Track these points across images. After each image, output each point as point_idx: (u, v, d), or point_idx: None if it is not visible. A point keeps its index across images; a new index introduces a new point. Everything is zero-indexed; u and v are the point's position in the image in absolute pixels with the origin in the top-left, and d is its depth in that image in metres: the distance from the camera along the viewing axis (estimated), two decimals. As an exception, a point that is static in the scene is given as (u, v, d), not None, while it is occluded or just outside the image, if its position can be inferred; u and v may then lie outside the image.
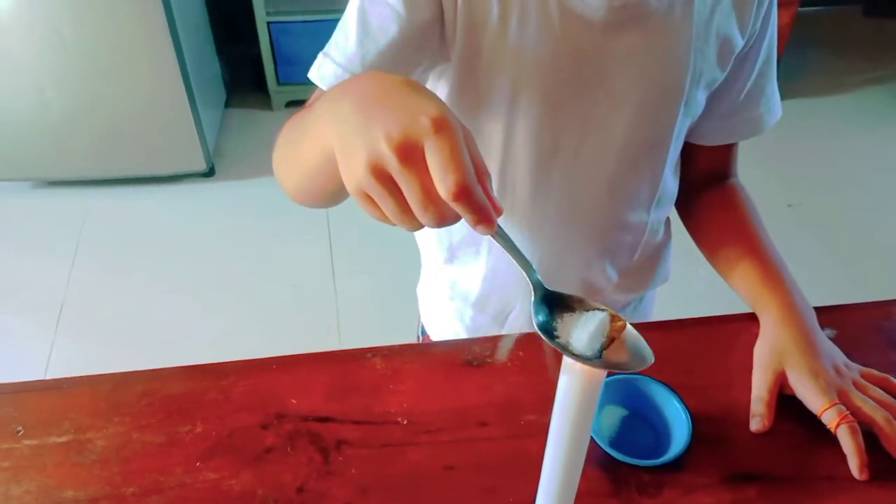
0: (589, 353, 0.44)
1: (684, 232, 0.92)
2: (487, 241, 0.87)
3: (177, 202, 2.38)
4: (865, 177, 2.57)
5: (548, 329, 0.47)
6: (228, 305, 2.05)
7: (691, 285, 1.87)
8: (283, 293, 2.09)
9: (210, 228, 2.29)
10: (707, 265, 0.88)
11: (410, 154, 0.43)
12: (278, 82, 2.63)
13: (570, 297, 0.48)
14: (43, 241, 2.23)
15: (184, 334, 1.95)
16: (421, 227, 0.46)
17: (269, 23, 2.48)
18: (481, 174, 0.45)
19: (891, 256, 2.27)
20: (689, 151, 0.87)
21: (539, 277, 0.48)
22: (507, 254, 0.48)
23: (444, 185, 0.42)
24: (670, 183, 0.86)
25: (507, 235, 0.47)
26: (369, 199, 0.46)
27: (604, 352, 0.45)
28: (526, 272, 0.48)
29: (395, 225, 0.47)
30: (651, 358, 0.45)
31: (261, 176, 2.42)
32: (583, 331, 0.45)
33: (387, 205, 0.45)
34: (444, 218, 0.44)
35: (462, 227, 0.88)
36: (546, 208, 0.80)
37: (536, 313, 0.47)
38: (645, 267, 0.93)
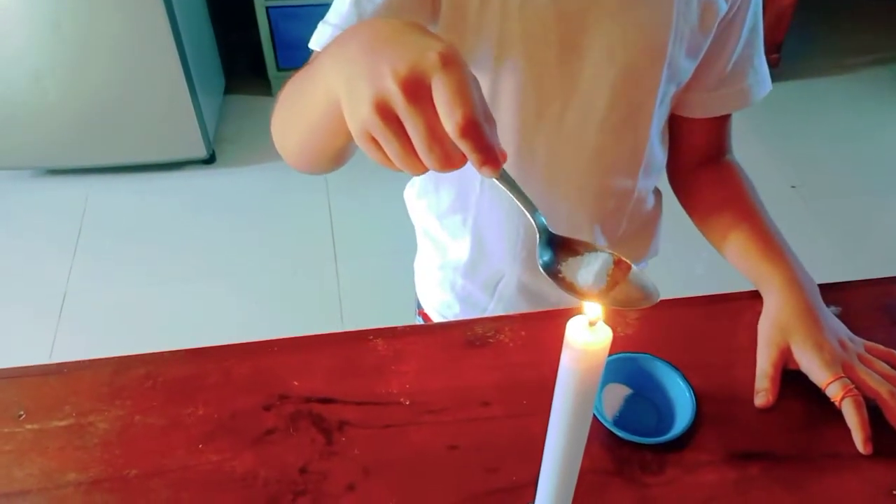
0: (594, 291, 0.44)
1: (684, 216, 0.91)
2: (474, 210, 0.87)
3: (178, 189, 2.37)
4: (869, 157, 2.56)
5: (553, 270, 0.46)
6: (231, 292, 2.05)
7: (692, 268, 1.87)
8: (285, 279, 2.09)
9: (211, 215, 2.28)
10: (709, 248, 0.87)
11: (417, 90, 0.42)
12: (278, 68, 2.62)
13: (574, 240, 0.48)
14: (44, 229, 2.23)
15: (186, 321, 1.95)
16: (425, 170, 0.45)
17: (267, 8, 2.46)
18: (487, 117, 0.44)
19: (894, 235, 2.26)
20: (683, 127, 0.87)
21: (544, 220, 0.48)
22: (513, 197, 0.47)
23: (451, 120, 0.41)
24: (657, 151, 0.86)
25: (511, 179, 0.46)
26: (373, 141, 0.45)
27: (610, 292, 0.44)
28: (531, 215, 0.47)
29: (399, 170, 0.46)
30: (657, 295, 0.45)
31: (262, 162, 2.41)
32: (587, 271, 0.45)
33: (391, 146, 0.44)
34: (449, 159, 0.43)
35: (450, 195, 0.88)
36: (531, 173, 0.81)
37: (541, 255, 0.47)
38: (634, 239, 0.93)
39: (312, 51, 0.70)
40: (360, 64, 0.45)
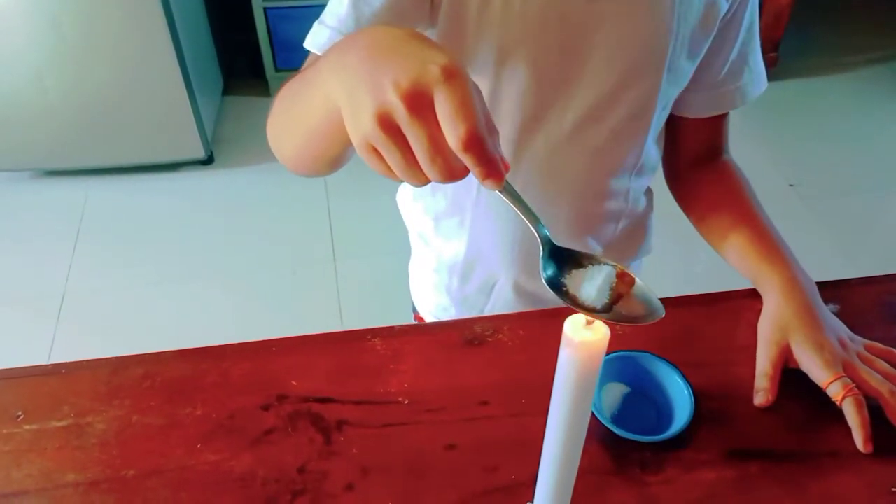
0: (598, 305, 0.44)
1: (683, 214, 0.91)
2: (471, 212, 0.87)
3: (176, 190, 2.37)
4: (867, 156, 2.56)
5: (556, 284, 0.46)
6: (229, 292, 2.05)
7: (690, 267, 1.87)
8: (284, 279, 2.09)
9: (209, 215, 2.28)
10: (707, 247, 0.87)
11: (420, 103, 0.42)
12: (276, 68, 2.62)
13: (578, 252, 0.47)
14: (43, 230, 2.23)
15: (185, 322, 1.95)
16: (427, 181, 0.45)
17: (265, 9, 2.46)
18: (490, 129, 0.44)
19: (892, 234, 2.27)
20: (679, 126, 0.87)
21: (548, 232, 0.48)
22: (515, 209, 0.46)
23: (454, 134, 0.41)
24: (652, 152, 0.86)
25: (514, 190, 0.46)
26: (375, 152, 0.45)
27: (614, 305, 0.44)
28: (534, 227, 0.47)
29: (400, 181, 0.46)
30: (662, 311, 0.45)
31: (260, 162, 2.41)
32: (590, 284, 0.45)
33: (393, 158, 0.44)
34: (451, 171, 0.43)
35: (446, 197, 0.88)
36: (530, 175, 0.80)
37: (545, 268, 0.47)
38: (628, 238, 0.93)
39: (309, 51, 0.69)
40: (361, 74, 0.45)
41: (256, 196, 2.34)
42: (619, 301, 0.45)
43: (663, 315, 0.45)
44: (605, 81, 0.74)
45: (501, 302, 0.94)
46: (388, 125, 0.43)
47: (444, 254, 0.94)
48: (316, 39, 0.69)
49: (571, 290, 0.45)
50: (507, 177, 0.45)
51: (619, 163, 0.83)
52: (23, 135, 2.23)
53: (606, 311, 0.44)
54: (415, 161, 0.44)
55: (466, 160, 0.42)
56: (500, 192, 0.45)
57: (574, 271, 0.46)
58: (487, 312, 0.96)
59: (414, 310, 1.07)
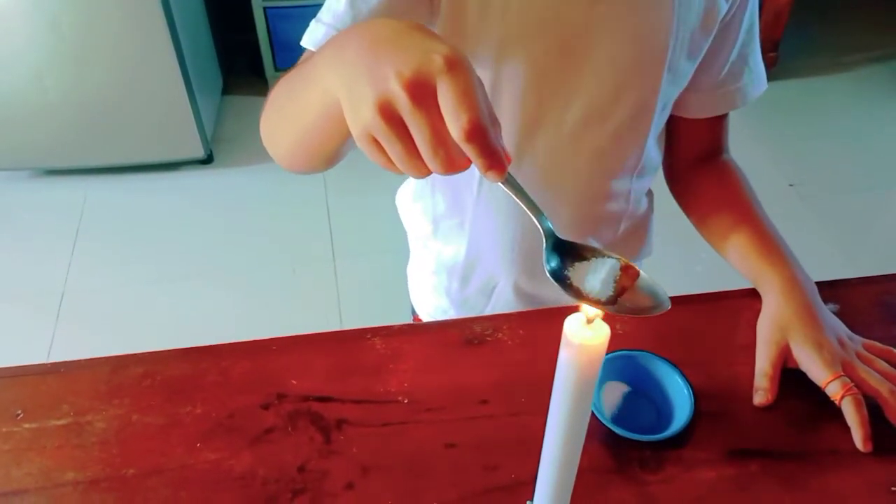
0: (602, 298, 0.44)
1: (683, 214, 0.91)
2: (471, 213, 0.87)
3: (176, 189, 2.37)
4: (867, 155, 2.56)
5: (559, 276, 0.46)
6: (229, 291, 2.05)
7: (691, 267, 1.87)
8: (284, 279, 2.09)
9: (209, 215, 2.28)
10: (707, 247, 0.87)
11: (422, 93, 0.42)
12: (276, 68, 2.62)
13: (582, 245, 0.47)
14: (42, 230, 2.23)
15: (185, 321, 1.95)
16: (428, 173, 0.44)
17: (265, 8, 2.46)
18: (492, 120, 0.43)
19: (892, 234, 2.27)
20: (679, 127, 0.87)
21: (550, 225, 0.47)
22: (518, 201, 0.46)
23: (457, 124, 0.41)
24: (653, 153, 0.86)
25: (517, 182, 0.46)
26: (375, 143, 0.44)
27: (619, 298, 0.44)
28: (536, 219, 0.47)
29: (400, 173, 0.45)
30: (668, 303, 0.44)
31: (259, 162, 2.41)
32: (594, 277, 0.44)
33: (394, 148, 0.44)
34: (453, 163, 0.43)
35: (445, 198, 0.88)
36: (530, 177, 0.80)
37: (548, 261, 0.46)
38: (629, 239, 0.93)
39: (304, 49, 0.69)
40: (362, 66, 0.45)
41: (256, 195, 2.34)
42: (624, 294, 0.44)
43: (669, 307, 0.44)
44: (605, 81, 0.74)
45: (502, 304, 0.94)
46: (390, 115, 0.43)
47: (444, 256, 0.93)
48: (312, 37, 0.69)
49: (575, 283, 0.45)
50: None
51: (619, 164, 0.83)
52: (22, 134, 2.23)
53: (611, 304, 0.44)
54: (416, 152, 0.43)
55: (469, 151, 0.42)
56: (503, 184, 0.44)
57: (577, 264, 0.46)
58: (487, 314, 0.96)
59: (413, 312, 1.07)
